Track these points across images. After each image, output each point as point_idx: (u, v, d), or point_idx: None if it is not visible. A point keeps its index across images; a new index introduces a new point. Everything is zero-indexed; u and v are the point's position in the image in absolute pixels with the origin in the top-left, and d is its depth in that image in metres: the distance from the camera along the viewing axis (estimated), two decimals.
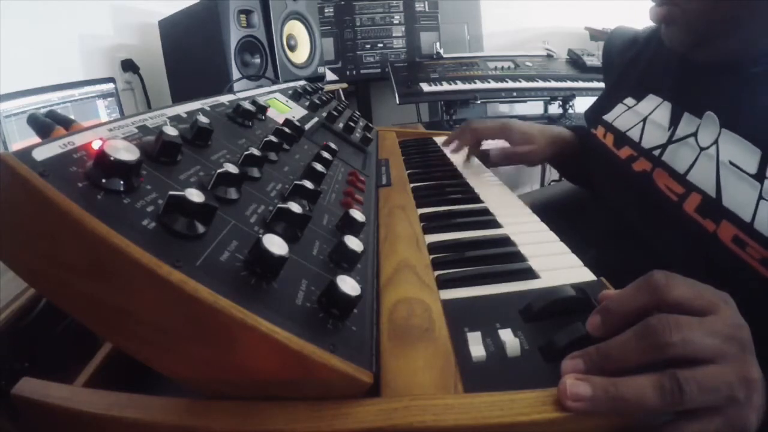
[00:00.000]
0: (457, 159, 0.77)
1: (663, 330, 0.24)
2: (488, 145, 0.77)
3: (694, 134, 0.47)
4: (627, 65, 0.67)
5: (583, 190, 0.81)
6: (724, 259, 0.40)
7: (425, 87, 1.60)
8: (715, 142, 0.44)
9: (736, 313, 0.26)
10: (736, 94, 0.44)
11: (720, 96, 0.46)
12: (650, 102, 0.56)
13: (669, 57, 0.55)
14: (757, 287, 0.38)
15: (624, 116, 0.60)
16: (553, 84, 1.65)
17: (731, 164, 0.42)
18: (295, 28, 1.41)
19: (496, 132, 0.74)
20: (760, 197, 0.38)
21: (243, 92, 0.61)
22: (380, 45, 1.82)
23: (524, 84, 1.64)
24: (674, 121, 0.50)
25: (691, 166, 0.46)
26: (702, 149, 0.45)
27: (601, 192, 0.64)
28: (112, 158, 0.25)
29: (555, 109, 1.73)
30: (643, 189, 0.51)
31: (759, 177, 0.39)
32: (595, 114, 0.67)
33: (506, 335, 0.30)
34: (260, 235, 0.27)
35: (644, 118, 0.55)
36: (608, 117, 0.63)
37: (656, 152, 0.51)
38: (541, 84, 1.65)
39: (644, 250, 0.52)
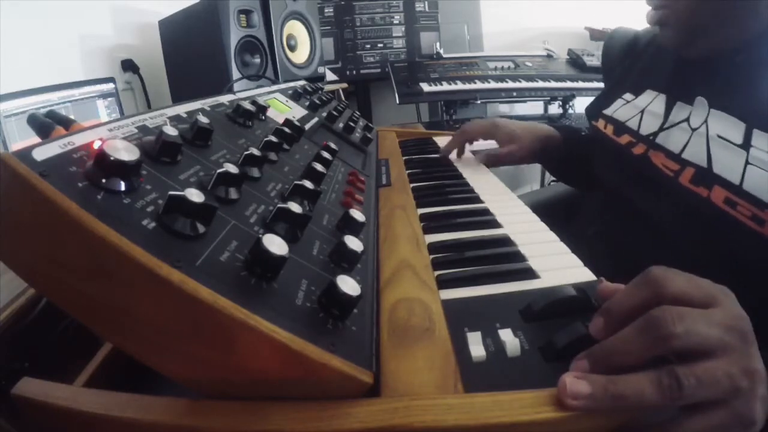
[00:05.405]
0: (456, 158, 0.78)
1: (666, 321, 0.24)
2: (478, 146, 0.80)
3: (687, 119, 0.52)
4: (627, 65, 0.69)
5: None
6: (717, 219, 0.44)
7: (425, 87, 1.60)
8: (705, 121, 0.50)
9: (736, 304, 0.26)
10: (724, 79, 0.50)
11: (709, 83, 0.51)
12: (648, 96, 0.61)
13: (666, 56, 0.61)
14: (749, 242, 0.41)
15: (623, 109, 0.65)
16: (553, 84, 1.65)
17: (719, 137, 0.47)
18: (295, 28, 1.40)
19: (484, 132, 0.77)
20: (747, 162, 0.43)
21: (243, 92, 0.61)
22: (380, 45, 1.82)
23: (524, 84, 1.63)
24: (668, 110, 0.56)
25: (685, 145, 0.51)
26: (694, 130, 0.51)
27: (600, 175, 0.68)
28: (112, 158, 0.25)
29: (555, 109, 1.73)
30: (641, 169, 0.56)
31: (745, 146, 0.44)
32: (595, 109, 0.71)
33: (506, 335, 0.30)
34: (260, 235, 0.27)
35: (642, 109, 0.61)
36: (608, 111, 0.67)
37: (651, 137, 0.57)
38: (541, 84, 1.64)
39: (642, 223, 0.56)
